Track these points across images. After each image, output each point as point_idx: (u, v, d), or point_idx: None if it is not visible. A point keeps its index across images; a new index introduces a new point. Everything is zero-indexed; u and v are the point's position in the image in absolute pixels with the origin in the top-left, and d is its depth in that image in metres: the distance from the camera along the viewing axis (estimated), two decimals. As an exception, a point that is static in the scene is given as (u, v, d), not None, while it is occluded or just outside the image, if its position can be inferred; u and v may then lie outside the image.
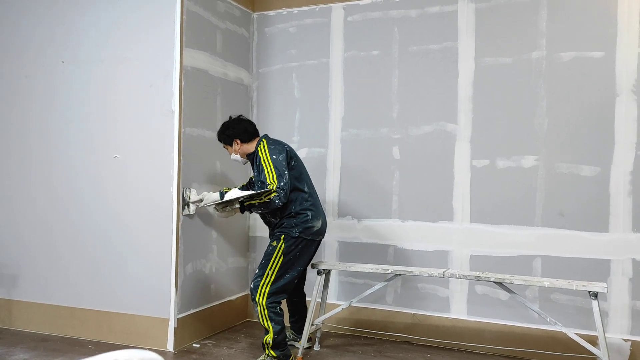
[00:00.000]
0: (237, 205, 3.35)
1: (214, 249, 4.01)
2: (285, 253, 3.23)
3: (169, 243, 3.58)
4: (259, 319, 3.24)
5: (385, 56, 4.02)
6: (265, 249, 3.33)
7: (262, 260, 3.29)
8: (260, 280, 3.22)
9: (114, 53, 3.76)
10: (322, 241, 4.15)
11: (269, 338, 3.18)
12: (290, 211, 3.27)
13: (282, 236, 3.25)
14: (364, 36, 4.08)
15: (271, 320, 3.18)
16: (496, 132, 3.70)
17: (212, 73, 3.96)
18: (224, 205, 3.42)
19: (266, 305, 3.18)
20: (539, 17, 3.60)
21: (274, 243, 3.27)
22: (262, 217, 3.49)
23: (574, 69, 3.51)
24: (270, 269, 3.22)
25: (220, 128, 3.47)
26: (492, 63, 3.72)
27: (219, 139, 3.49)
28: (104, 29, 3.80)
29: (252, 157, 3.36)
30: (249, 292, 3.37)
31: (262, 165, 3.22)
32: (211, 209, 3.76)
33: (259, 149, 3.30)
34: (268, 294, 3.20)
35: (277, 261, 3.23)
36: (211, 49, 3.95)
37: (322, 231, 3.40)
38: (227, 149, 3.50)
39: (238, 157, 3.44)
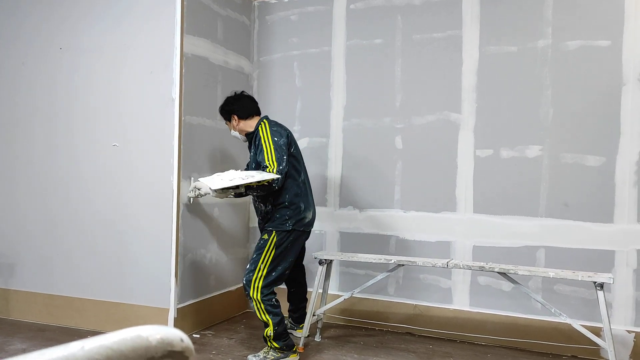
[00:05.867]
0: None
1: (214, 240, 3.97)
2: (277, 246, 3.14)
3: (169, 233, 3.54)
4: (256, 314, 3.16)
5: (388, 45, 3.96)
6: (257, 242, 3.25)
7: (253, 254, 3.19)
8: (253, 274, 3.12)
9: (114, 41, 3.71)
10: (324, 232, 4.13)
11: (269, 331, 3.11)
12: (283, 200, 3.18)
13: (274, 231, 3.16)
14: (367, 24, 4.03)
15: (269, 313, 3.10)
16: (500, 122, 3.66)
17: (213, 61, 3.91)
18: (224, 190, 3.24)
19: (261, 300, 3.09)
20: (545, 5, 3.55)
21: (265, 236, 3.17)
22: (253, 202, 3.41)
23: (580, 57, 3.47)
24: (262, 262, 3.13)
25: (222, 103, 3.44)
26: (496, 52, 3.67)
27: (220, 114, 3.46)
28: (105, 16, 3.74)
29: (252, 137, 3.30)
30: (243, 287, 3.29)
31: (262, 145, 3.14)
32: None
33: (260, 128, 3.23)
34: (261, 288, 3.10)
35: (269, 254, 3.14)
36: (212, 37, 3.89)
37: (312, 222, 3.34)
38: (227, 125, 3.45)
39: (237, 133, 3.40)
